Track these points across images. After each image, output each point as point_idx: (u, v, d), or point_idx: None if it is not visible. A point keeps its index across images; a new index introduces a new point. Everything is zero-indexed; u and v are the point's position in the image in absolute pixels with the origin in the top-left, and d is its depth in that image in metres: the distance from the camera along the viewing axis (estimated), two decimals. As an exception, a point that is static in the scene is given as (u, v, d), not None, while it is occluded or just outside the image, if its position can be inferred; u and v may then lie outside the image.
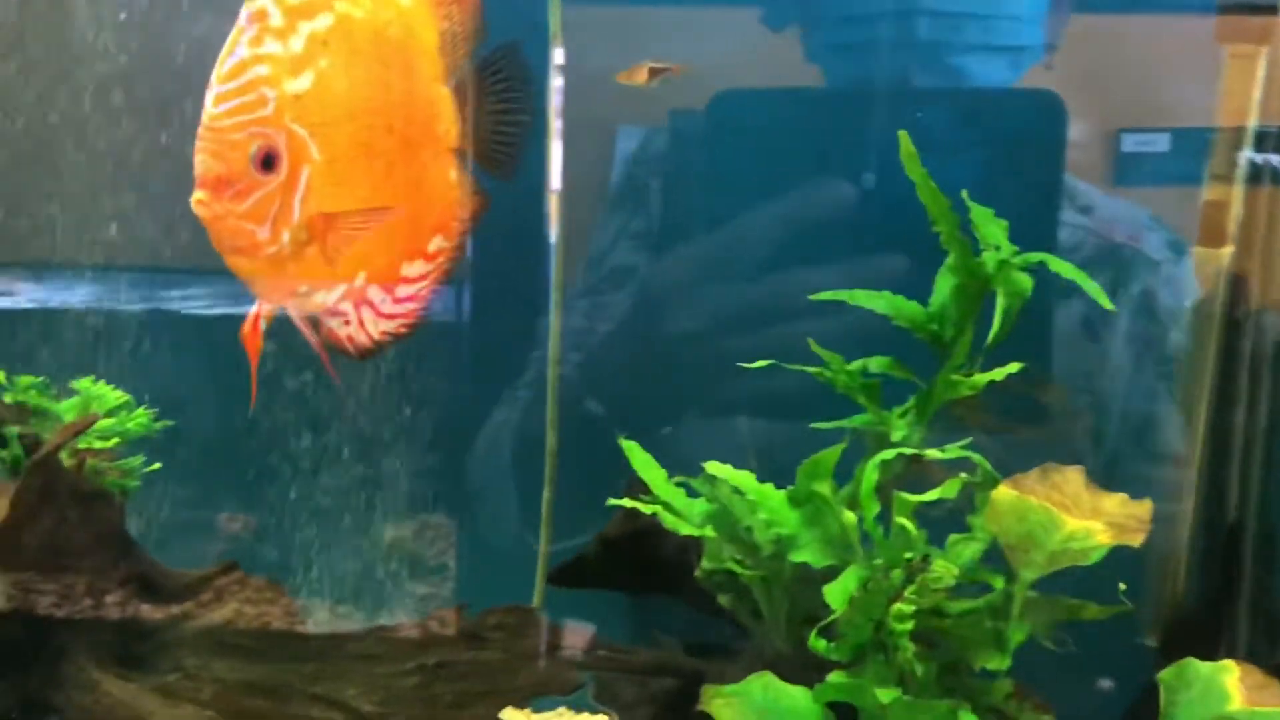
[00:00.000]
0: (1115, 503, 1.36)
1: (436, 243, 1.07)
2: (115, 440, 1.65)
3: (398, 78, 1.01)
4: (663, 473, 1.59)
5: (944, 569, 1.24)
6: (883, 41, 1.87)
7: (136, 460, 1.71)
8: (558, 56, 1.76)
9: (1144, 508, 1.36)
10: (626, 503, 1.49)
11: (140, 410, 1.72)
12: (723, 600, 1.60)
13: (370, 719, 1.63)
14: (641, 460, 1.59)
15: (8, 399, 1.66)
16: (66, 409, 1.67)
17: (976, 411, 1.52)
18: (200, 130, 0.95)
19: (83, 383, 1.67)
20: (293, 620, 1.86)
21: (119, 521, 1.72)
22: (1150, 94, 1.91)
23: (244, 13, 0.98)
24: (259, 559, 2.18)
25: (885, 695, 1.18)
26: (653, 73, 1.50)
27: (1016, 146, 1.88)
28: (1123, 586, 1.37)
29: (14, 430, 1.63)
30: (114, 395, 1.69)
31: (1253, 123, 1.82)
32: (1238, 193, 1.81)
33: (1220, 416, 1.88)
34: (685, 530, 1.48)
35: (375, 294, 1.05)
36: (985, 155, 1.88)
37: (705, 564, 1.58)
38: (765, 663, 1.51)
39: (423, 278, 1.08)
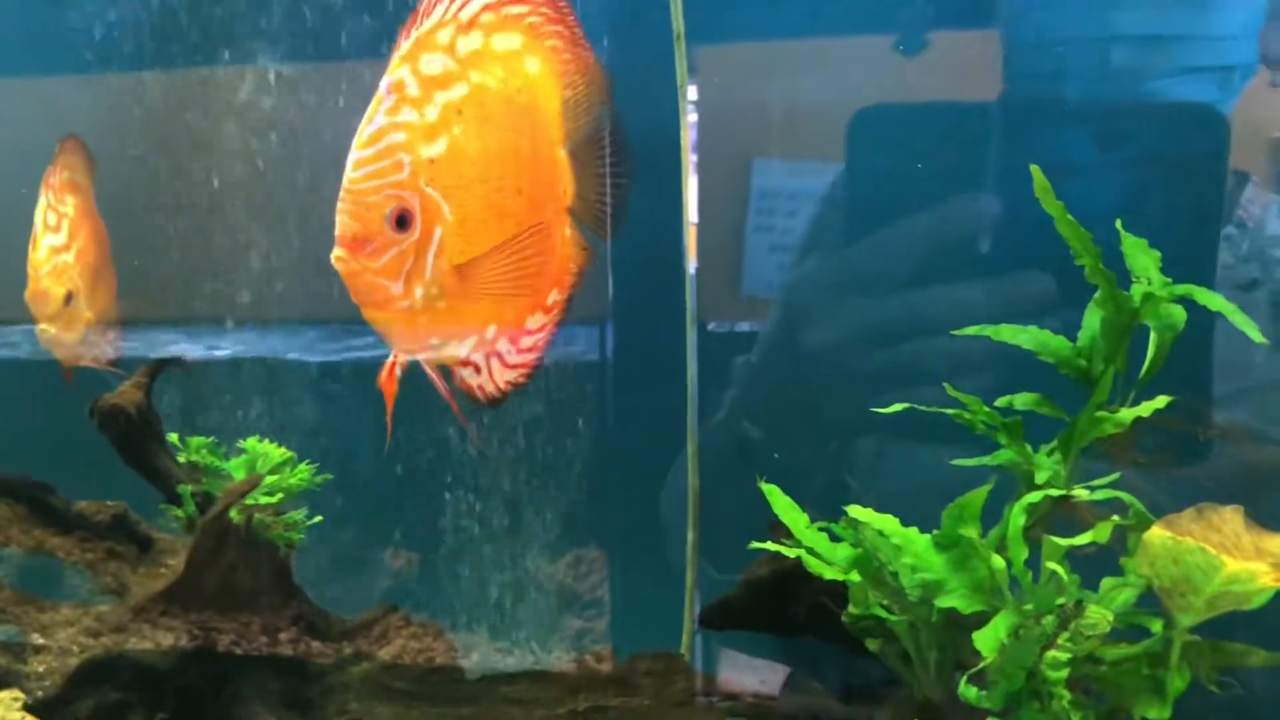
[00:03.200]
0: (1279, 543, 1.30)
1: (553, 296, 1.13)
2: (279, 496, 1.73)
3: (526, 142, 1.07)
4: (804, 516, 1.58)
5: (1099, 615, 1.20)
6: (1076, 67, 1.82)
7: (299, 514, 1.79)
8: (691, 93, 1.79)
9: (1314, 548, 1.29)
10: (770, 546, 1.49)
11: (302, 466, 1.80)
12: (871, 645, 1.58)
13: (528, 763, 1.66)
14: (782, 504, 1.59)
15: (181, 459, 1.76)
16: (235, 466, 1.77)
17: (1127, 449, 1.47)
18: (341, 192, 1.03)
19: (249, 441, 1.76)
20: (454, 656, 1.92)
21: (286, 570, 1.81)
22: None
23: (384, 83, 1.04)
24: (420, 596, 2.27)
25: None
26: None
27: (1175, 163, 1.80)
28: (1293, 629, 1.31)
29: (188, 489, 1.73)
30: (278, 452, 1.78)
31: None
32: None
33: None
34: (830, 575, 1.47)
35: (503, 345, 1.11)
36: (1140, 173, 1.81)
37: (852, 609, 1.57)
38: (915, 710, 1.49)
39: (542, 329, 1.13)
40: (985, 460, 1.52)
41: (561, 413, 2.17)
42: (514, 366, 1.12)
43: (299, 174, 2.07)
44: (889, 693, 1.57)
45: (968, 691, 1.30)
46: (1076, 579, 1.27)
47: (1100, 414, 1.42)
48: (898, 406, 1.53)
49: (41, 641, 1.56)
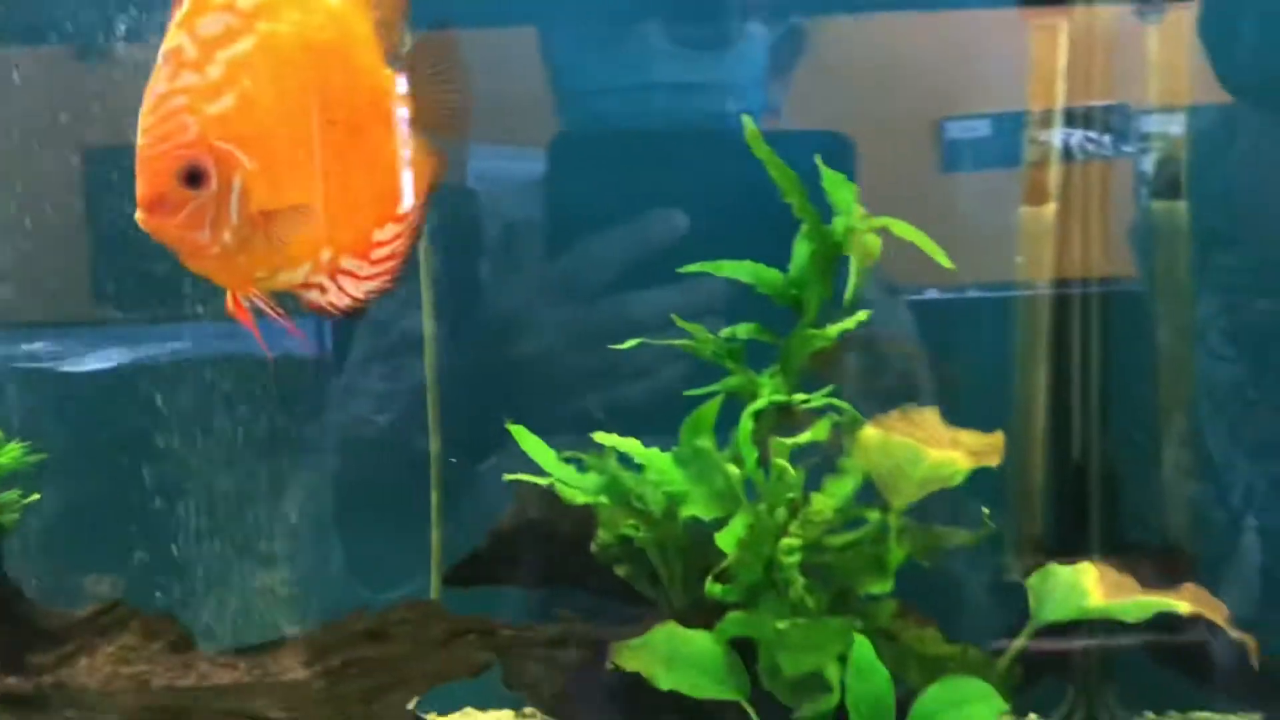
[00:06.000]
0: (970, 436, 1.48)
1: (404, 205, 1.21)
2: (-6, 473, 1.62)
3: (336, 74, 1.14)
4: (552, 452, 1.64)
5: (823, 503, 1.33)
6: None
7: (14, 494, 1.68)
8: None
9: (997, 437, 1.47)
10: (525, 477, 1.54)
11: (13, 445, 1.70)
12: (619, 571, 1.66)
13: (280, 726, 1.64)
14: (531, 443, 1.65)
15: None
16: (-61, 446, 1.64)
17: (835, 366, 1.62)
18: (136, 159, 1.11)
19: (-46, 419, 1.64)
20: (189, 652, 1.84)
21: (-3, 557, 1.69)
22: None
23: (160, 52, 1.12)
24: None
25: (782, 623, 1.26)
26: None
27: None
28: (986, 511, 1.49)
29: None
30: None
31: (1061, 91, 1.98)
32: (1055, 154, 1.98)
33: (1059, 369, 2.03)
34: (581, 499, 1.54)
35: (349, 263, 1.19)
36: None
37: (601, 536, 1.65)
38: (666, 619, 1.58)
39: (397, 237, 1.21)
40: (714, 387, 1.64)
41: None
42: (370, 277, 1.21)
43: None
44: (641, 614, 1.65)
45: (713, 588, 1.39)
46: (803, 472, 1.39)
47: (811, 332, 1.56)
48: (633, 342, 1.63)
49: None
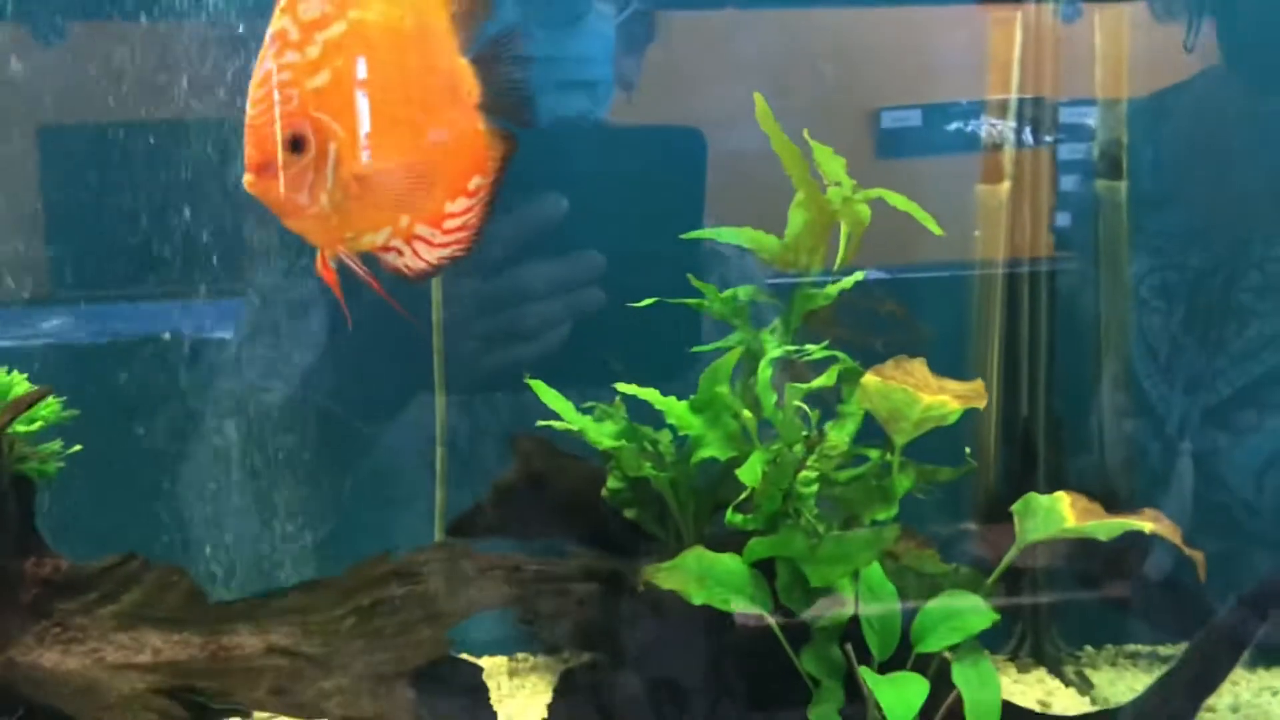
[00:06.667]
0: (955, 384, 1.66)
1: (476, 181, 1.35)
2: (39, 424, 1.70)
3: (414, 58, 1.29)
4: (570, 404, 1.78)
5: (838, 438, 1.50)
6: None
7: (55, 445, 1.76)
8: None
9: (978, 384, 1.66)
10: (556, 425, 1.67)
11: (52, 400, 1.77)
12: (629, 513, 1.81)
13: (316, 659, 1.73)
14: (549, 394, 1.78)
15: (-78, 394, 1.68)
16: (-23, 396, 1.71)
17: (832, 324, 1.79)
18: (245, 127, 1.25)
19: (-6, 372, 1.71)
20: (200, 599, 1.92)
21: (31, 505, 1.77)
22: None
23: (268, 34, 1.26)
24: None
25: (812, 539, 1.43)
26: None
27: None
28: (968, 450, 1.67)
29: (-69, 422, 1.65)
30: (24, 384, 1.74)
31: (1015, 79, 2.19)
32: (1009, 136, 2.18)
33: (1011, 328, 2.24)
34: (605, 445, 1.68)
35: (423, 230, 1.33)
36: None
37: (611, 482, 1.79)
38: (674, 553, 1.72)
39: (468, 210, 1.36)
40: (721, 344, 1.80)
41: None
42: (442, 245, 1.35)
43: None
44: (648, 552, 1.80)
45: (733, 518, 1.55)
46: (817, 413, 1.56)
47: (810, 290, 1.73)
48: (648, 301, 1.77)
49: None
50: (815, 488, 1.50)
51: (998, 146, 2.20)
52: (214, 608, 1.87)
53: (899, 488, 1.54)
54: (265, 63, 1.23)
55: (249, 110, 1.24)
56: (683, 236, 1.86)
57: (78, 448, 1.79)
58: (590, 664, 1.80)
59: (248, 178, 1.24)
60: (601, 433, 1.73)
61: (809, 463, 1.49)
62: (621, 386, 1.70)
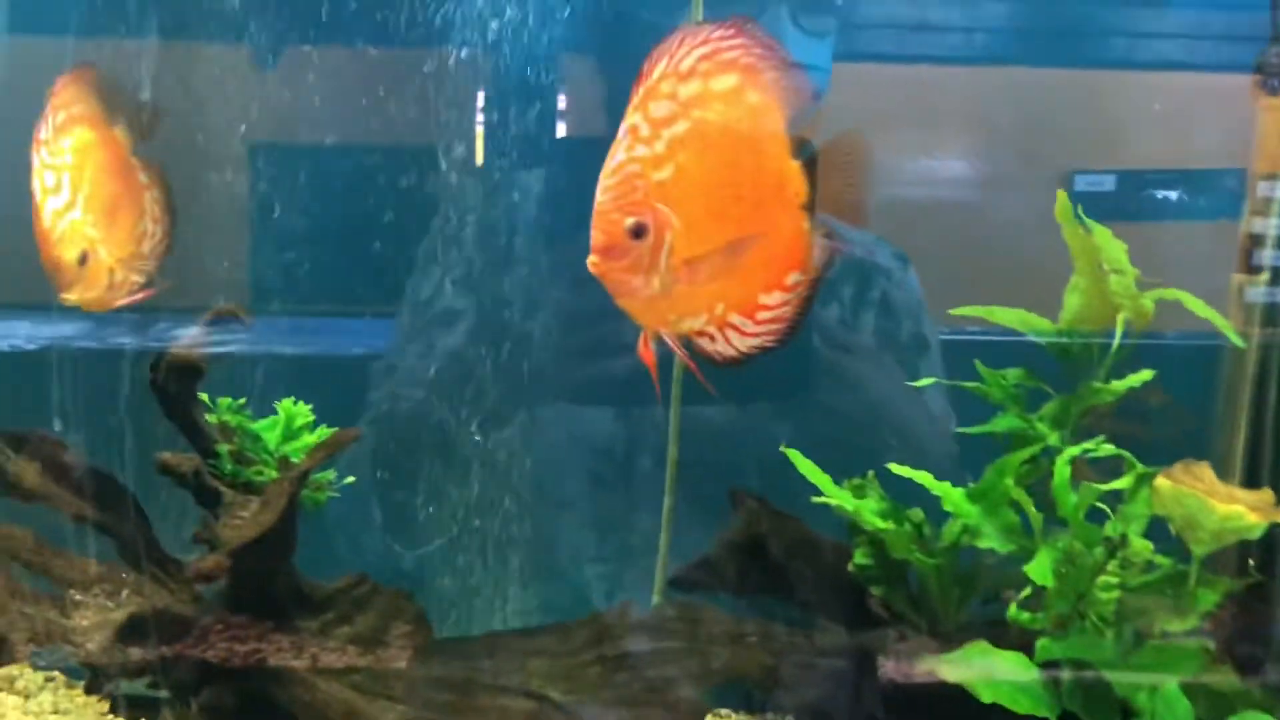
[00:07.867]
0: (1244, 492, 1.61)
1: (794, 277, 1.38)
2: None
3: (747, 158, 1.35)
4: (827, 476, 1.78)
5: (1142, 545, 1.46)
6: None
7: (329, 474, 1.80)
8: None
9: (1268, 494, 1.61)
10: (831, 501, 1.67)
11: (323, 427, 1.81)
12: (876, 591, 1.79)
13: (566, 706, 1.74)
14: (807, 467, 1.78)
15: (211, 419, 1.74)
16: (264, 427, 1.76)
17: (1107, 417, 1.76)
18: (593, 213, 1.31)
19: (284, 403, 1.76)
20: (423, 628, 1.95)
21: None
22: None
23: (622, 128, 1.32)
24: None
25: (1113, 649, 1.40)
26: None
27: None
28: (1252, 562, 1.63)
29: (224, 447, 1.71)
30: (306, 413, 1.79)
31: None
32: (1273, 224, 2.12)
33: (1257, 417, 2.17)
34: (872, 526, 1.67)
35: (737, 319, 1.37)
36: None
37: (859, 557, 1.78)
38: (940, 640, 1.71)
39: (782, 304, 1.39)
40: (988, 428, 1.77)
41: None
42: (754, 335, 1.38)
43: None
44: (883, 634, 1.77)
45: (1019, 615, 1.53)
46: (1121, 521, 1.53)
47: (1097, 385, 1.70)
48: (926, 381, 1.76)
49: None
50: (1116, 593, 1.47)
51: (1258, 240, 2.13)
52: (456, 641, 1.91)
53: (1203, 602, 1.50)
54: (617, 154, 1.30)
55: (599, 197, 1.31)
56: (952, 312, 1.84)
57: (351, 479, 1.83)
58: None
59: (592, 259, 1.31)
60: (866, 510, 1.72)
61: (1110, 568, 1.46)
62: (894, 467, 1.69)
